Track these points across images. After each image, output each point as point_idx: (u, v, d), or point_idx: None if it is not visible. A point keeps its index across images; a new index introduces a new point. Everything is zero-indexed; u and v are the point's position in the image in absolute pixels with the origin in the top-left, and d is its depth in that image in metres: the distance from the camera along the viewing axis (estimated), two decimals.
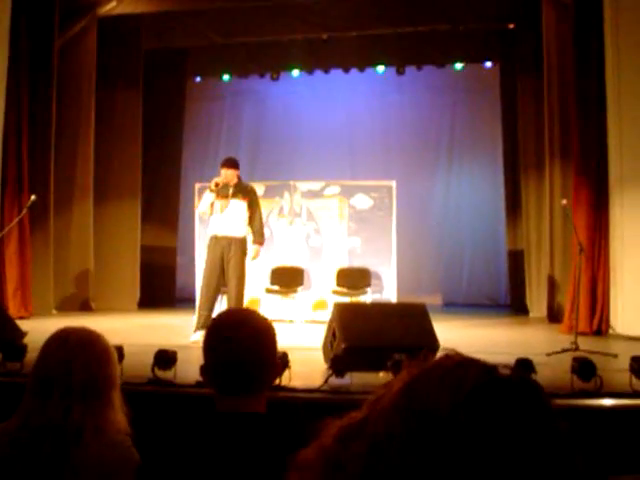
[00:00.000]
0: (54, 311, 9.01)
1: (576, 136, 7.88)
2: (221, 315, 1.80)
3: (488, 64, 11.23)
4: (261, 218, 6.99)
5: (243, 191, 6.79)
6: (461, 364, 0.74)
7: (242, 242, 6.70)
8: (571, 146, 8.06)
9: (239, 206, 6.71)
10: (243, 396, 1.65)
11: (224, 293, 6.91)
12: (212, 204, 6.71)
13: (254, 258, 6.88)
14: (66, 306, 9.37)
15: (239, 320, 1.70)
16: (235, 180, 6.76)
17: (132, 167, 10.35)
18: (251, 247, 6.81)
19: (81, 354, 1.80)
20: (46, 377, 1.78)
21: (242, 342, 1.63)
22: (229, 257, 6.60)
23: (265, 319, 1.75)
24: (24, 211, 7.70)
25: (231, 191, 6.70)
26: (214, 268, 6.63)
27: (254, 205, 6.86)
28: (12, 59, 8.35)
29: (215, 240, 6.69)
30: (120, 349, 3.99)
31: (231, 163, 6.83)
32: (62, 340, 1.84)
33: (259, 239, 6.85)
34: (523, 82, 9.80)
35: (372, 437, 0.73)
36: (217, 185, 6.61)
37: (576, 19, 7.95)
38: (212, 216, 6.76)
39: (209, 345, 1.69)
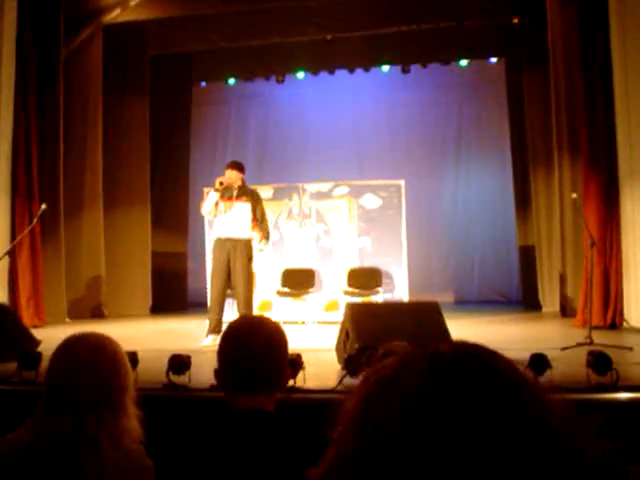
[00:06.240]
0: (67, 319, 9.04)
1: (584, 129, 7.84)
2: (233, 323, 1.85)
3: (493, 60, 11.21)
4: (266, 217, 6.94)
5: (247, 193, 6.78)
6: (404, 364, 0.71)
7: (247, 244, 6.66)
8: (580, 140, 8.00)
9: (243, 208, 6.68)
10: (252, 395, 1.71)
11: (232, 296, 6.88)
12: (217, 205, 6.68)
13: (260, 250, 6.84)
14: (79, 314, 9.41)
15: (250, 328, 1.78)
16: (239, 182, 6.74)
17: (141, 173, 10.40)
18: (257, 246, 6.75)
19: (90, 362, 1.73)
20: (57, 388, 1.72)
21: (253, 349, 1.71)
22: (235, 260, 6.57)
23: (276, 326, 1.82)
24: (35, 220, 7.72)
25: (235, 193, 6.69)
26: (220, 271, 6.59)
27: (259, 206, 6.85)
28: (19, 69, 8.40)
29: (220, 243, 6.65)
30: (134, 355, 4.01)
31: (235, 165, 6.80)
32: (70, 349, 1.77)
33: (266, 235, 6.81)
34: (529, 76, 9.76)
35: (334, 458, 0.71)
36: (221, 184, 6.59)
37: (580, 11, 7.91)
38: (216, 218, 6.74)
39: (222, 352, 1.77)
